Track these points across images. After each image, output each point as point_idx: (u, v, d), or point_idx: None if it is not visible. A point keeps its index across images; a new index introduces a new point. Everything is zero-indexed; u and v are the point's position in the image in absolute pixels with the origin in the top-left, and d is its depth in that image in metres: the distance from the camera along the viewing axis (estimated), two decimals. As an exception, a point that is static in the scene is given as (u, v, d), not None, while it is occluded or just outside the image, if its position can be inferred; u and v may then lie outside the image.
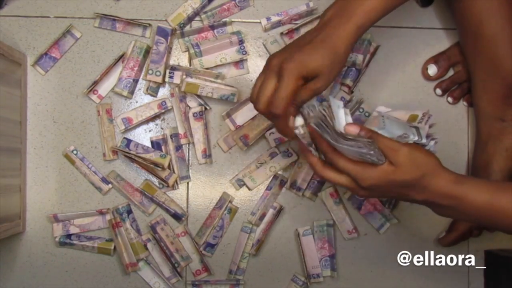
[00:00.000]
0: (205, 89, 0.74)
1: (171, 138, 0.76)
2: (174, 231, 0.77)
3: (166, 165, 0.74)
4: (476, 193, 0.55)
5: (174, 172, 0.76)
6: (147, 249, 0.76)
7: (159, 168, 0.74)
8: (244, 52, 0.77)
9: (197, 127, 0.76)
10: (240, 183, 0.77)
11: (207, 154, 0.77)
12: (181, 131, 0.77)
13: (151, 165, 0.73)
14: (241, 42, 0.76)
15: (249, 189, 0.77)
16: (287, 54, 0.56)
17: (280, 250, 0.78)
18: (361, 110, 0.78)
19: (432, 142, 0.60)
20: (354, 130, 0.55)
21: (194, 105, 0.76)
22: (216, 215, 0.77)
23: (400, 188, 0.56)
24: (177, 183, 0.77)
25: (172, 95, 0.77)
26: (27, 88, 0.77)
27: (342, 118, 0.57)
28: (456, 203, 0.56)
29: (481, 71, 0.73)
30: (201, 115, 0.76)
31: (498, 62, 0.70)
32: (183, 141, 0.77)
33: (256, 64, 0.78)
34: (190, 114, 0.76)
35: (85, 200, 0.77)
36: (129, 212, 0.76)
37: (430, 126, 0.64)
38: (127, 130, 0.76)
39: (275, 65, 0.56)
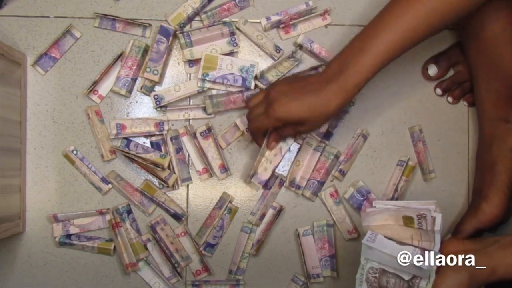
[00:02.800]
0: (224, 61, 0.74)
1: (171, 140, 0.76)
2: (174, 231, 0.77)
3: (166, 165, 0.74)
4: (507, 267, 0.59)
5: (174, 172, 0.76)
6: (147, 249, 0.76)
7: (159, 169, 0.74)
8: (235, 44, 0.76)
9: (207, 145, 0.76)
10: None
11: (226, 168, 0.77)
12: (199, 167, 0.77)
13: (151, 166, 0.73)
14: (232, 33, 0.76)
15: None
16: (284, 96, 0.63)
17: (280, 250, 0.78)
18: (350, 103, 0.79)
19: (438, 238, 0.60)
20: None
21: (199, 124, 0.77)
22: (216, 215, 0.77)
23: None
24: (177, 183, 0.77)
25: (184, 134, 0.77)
26: (27, 88, 0.77)
27: None
28: (503, 278, 0.60)
29: (483, 73, 0.73)
30: (208, 133, 0.76)
31: (501, 64, 0.70)
32: (203, 177, 0.77)
33: (246, 58, 0.78)
34: (198, 134, 0.76)
35: (85, 200, 0.77)
36: (129, 212, 0.76)
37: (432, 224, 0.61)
38: (118, 136, 0.76)
39: (271, 97, 0.64)
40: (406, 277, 0.60)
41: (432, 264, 0.59)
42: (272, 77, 0.77)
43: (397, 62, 0.80)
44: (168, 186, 0.76)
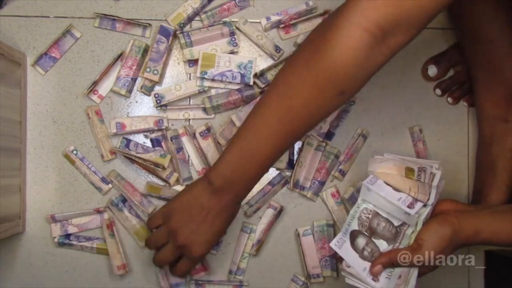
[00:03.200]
0: (222, 58, 0.74)
1: (171, 140, 0.76)
2: None
3: (166, 164, 0.74)
4: (501, 235, 0.60)
5: (175, 171, 0.76)
6: (152, 231, 0.76)
7: (159, 169, 0.74)
8: (235, 44, 0.77)
9: (206, 145, 0.76)
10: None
11: None
12: (199, 167, 0.77)
13: (152, 166, 0.73)
14: (232, 33, 0.76)
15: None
16: (193, 234, 0.65)
17: (280, 250, 0.78)
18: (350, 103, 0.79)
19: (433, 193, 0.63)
20: (378, 270, 0.61)
21: (199, 124, 0.77)
22: None
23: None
24: (178, 181, 0.77)
25: (183, 134, 0.77)
26: (27, 88, 0.76)
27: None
28: (488, 244, 0.62)
29: (482, 73, 0.73)
30: (207, 133, 0.76)
31: (499, 64, 0.70)
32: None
33: (246, 56, 0.78)
34: (197, 134, 0.76)
35: (85, 200, 0.77)
36: (124, 200, 0.76)
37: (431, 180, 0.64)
38: (117, 134, 0.76)
39: (179, 239, 0.65)
40: (396, 223, 0.64)
41: (419, 213, 0.62)
42: (271, 76, 0.77)
43: (397, 62, 0.80)
44: (170, 186, 0.76)
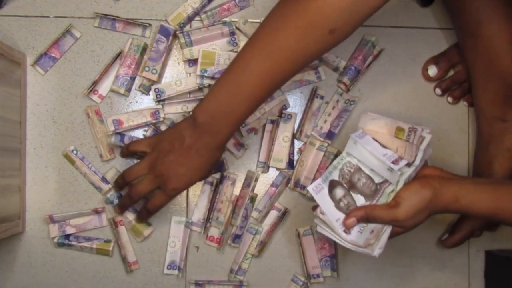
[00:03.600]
0: (222, 55, 0.75)
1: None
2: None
3: None
4: (480, 203, 0.59)
5: None
6: (150, 224, 0.76)
7: None
8: (235, 44, 0.77)
9: None
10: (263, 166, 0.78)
11: (240, 145, 0.77)
12: None
13: None
14: (232, 33, 0.76)
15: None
16: (175, 170, 0.66)
17: (280, 250, 0.78)
18: (350, 102, 0.79)
19: (419, 156, 0.63)
20: (352, 223, 0.61)
21: None
22: (246, 194, 0.76)
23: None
24: None
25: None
26: (27, 88, 0.76)
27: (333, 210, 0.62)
28: (466, 213, 0.62)
29: (480, 72, 0.73)
30: None
31: (498, 62, 0.70)
32: None
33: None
34: None
35: (85, 200, 0.77)
36: (119, 197, 0.76)
37: (421, 140, 0.64)
38: (116, 132, 0.75)
39: (163, 175, 0.66)
40: (377, 180, 0.63)
41: (403, 171, 0.61)
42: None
43: (397, 62, 0.80)
44: None
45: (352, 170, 0.63)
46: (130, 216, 0.76)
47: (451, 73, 0.80)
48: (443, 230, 0.79)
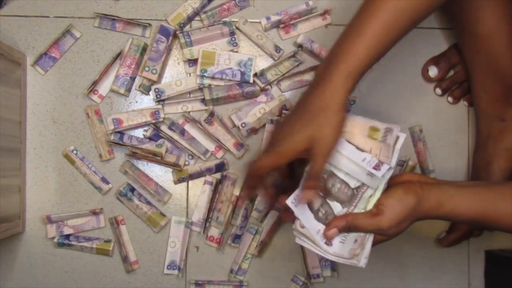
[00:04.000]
0: (222, 56, 0.75)
1: (171, 128, 0.76)
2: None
3: (163, 153, 0.74)
4: (463, 208, 0.57)
5: (191, 152, 0.77)
6: (164, 216, 0.76)
7: (158, 158, 0.74)
8: (235, 44, 0.77)
9: (215, 130, 0.76)
10: None
11: (241, 145, 0.77)
12: (211, 148, 0.77)
13: (155, 157, 0.73)
14: (232, 33, 0.76)
15: None
16: (285, 135, 0.58)
17: (281, 250, 0.78)
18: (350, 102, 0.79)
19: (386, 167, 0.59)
20: (333, 233, 0.58)
21: (199, 115, 0.77)
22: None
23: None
24: (205, 154, 0.77)
25: (184, 123, 0.77)
26: (27, 88, 0.76)
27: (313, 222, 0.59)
28: (449, 219, 0.60)
29: (479, 71, 0.73)
30: (211, 118, 0.76)
31: (496, 62, 0.70)
32: (219, 154, 0.77)
33: (246, 54, 0.77)
34: (203, 123, 0.76)
35: (85, 200, 0.77)
36: (132, 189, 0.76)
37: (394, 143, 0.60)
38: (116, 131, 0.76)
39: (278, 140, 0.59)
40: (353, 185, 0.60)
41: (385, 176, 0.58)
42: (271, 76, 0.77)
43: (397, 62, 0.80)
44: (181, 169, 0.76)
45: (325, 176, 0.60)
46: (145, 207, 0.76)
47: (451, 73, 0.80)
48: (443, 230, 0.79)
